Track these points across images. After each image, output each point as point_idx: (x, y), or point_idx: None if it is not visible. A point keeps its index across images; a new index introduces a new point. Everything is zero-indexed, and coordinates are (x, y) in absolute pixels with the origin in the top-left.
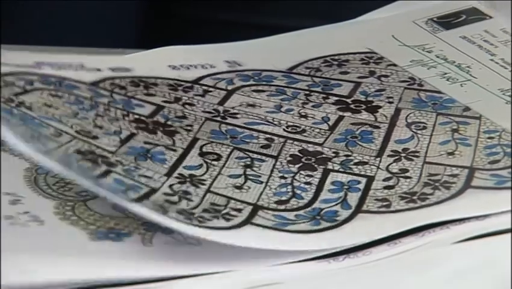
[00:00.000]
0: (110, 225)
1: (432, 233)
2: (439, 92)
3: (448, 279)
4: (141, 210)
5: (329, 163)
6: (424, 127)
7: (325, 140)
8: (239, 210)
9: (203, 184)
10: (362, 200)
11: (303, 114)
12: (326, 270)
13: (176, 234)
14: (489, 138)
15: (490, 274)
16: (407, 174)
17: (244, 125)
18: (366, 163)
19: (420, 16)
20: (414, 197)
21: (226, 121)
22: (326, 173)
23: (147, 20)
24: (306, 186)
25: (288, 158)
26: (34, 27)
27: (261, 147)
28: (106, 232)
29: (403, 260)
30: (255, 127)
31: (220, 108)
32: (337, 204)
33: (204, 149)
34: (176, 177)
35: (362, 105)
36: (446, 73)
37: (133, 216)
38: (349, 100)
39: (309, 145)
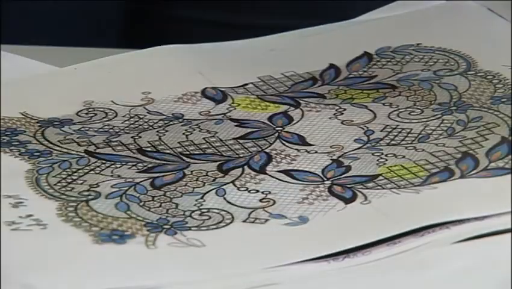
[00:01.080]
0: (113, 226)
1: (432, 233)
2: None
3: (448, 278)
4: None
5: None
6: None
7: None
8: None
9: None
10: None
11: None
12: (325, 270)
13: (179, 235)
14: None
15: (490, 274)
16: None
17: None
18: None
19: None
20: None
21: None
22: None
23: (129, 19)
24: None
25: None
26: (34, 28)
27: None
28: (109, 234)
29: (403, 260)
30: None
31: None
32: None
33: None
34: None
35: None
36: None
37: (135, 216)
38: None
39: None
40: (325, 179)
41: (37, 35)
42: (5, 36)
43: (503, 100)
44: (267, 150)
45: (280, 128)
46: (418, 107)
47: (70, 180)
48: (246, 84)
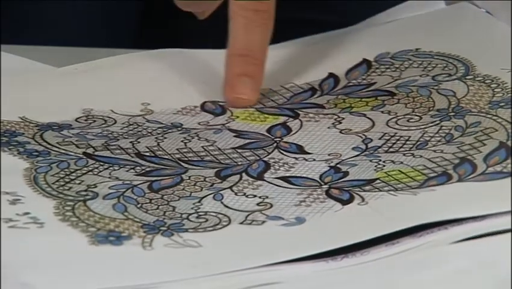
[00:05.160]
0: (110, 227)
1: (430, 233)
2: None
3: (446, 279)
4: None
5: None
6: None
7: None
8: None
9: None
10: None
11: None
12: (324, 270)
13: (176, 237)
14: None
15: (489, 274)
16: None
17: None
18: None
19: None
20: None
21: None
22: None
23: (145, 20)
24: None
25: None
26: (34, 28)
27: None
28: (106, 235)
29: (401, 260)
30: None
31: None
32: None
33: None
34: None
35: None
36: None
37: (132, 218)
38: None
39: None
40: (323, 183)
41: (51, 36)
42: (5, 36)
43: (501, 104)
44: (265, 159)
45: (279, 139)
46: (417, 114)
47: (68, 180)
48: None
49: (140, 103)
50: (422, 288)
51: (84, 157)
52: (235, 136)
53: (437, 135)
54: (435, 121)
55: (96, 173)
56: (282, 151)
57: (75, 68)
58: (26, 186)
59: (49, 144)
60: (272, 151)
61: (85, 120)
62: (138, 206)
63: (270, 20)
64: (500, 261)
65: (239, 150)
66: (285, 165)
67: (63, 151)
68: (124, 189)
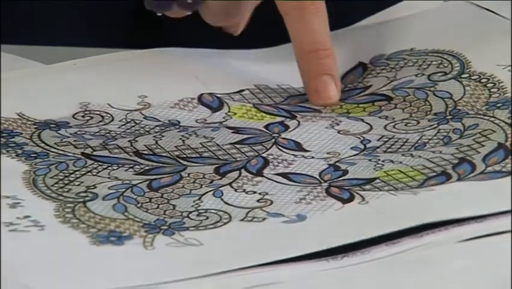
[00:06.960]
0: (111, 227)
1: (431, 234)
2: None
3: (448, 278)
4: None
5: None
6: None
7: None
8: None
9: None
10: None
11: None
12: (324, 269)
13: (177, 235)
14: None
15: (490, 274)
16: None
17: None
18: None
19: None
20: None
21: None
22: None
23: (138, 20)
24: None
25: None
26: (34, 28)
27: None
28: (107, 235)
29: (402, 259)
30: None
31: None
32: None
33: None
34: None
35: None
36: None
37: (133, 218)
38: None
39: None
40: (322, 181)
41: (51, 36)
42: (5, 36)
43: (498, 105)
44: (263, 155)
45: (277, 134)
46: (414, 118)
47: (67, 182)
48: (242, 90)
49: (137, 95)
50: (422, 287)
51: (83, 157)
52: (233, 132)
53: (435, 137)
54: (433, 124)
55: (94, 173)
56: (280, 147)
57: (74, 64)
58: (25, 189)
59: (47, 144)
60: (271, 147)
61: (83, 117)
62: (138, 205)
63: (323, 6)
64: (500, 261)
65: (237, 146)
66: (284, 161)
67: (61, 152)
68: (123, 189)
